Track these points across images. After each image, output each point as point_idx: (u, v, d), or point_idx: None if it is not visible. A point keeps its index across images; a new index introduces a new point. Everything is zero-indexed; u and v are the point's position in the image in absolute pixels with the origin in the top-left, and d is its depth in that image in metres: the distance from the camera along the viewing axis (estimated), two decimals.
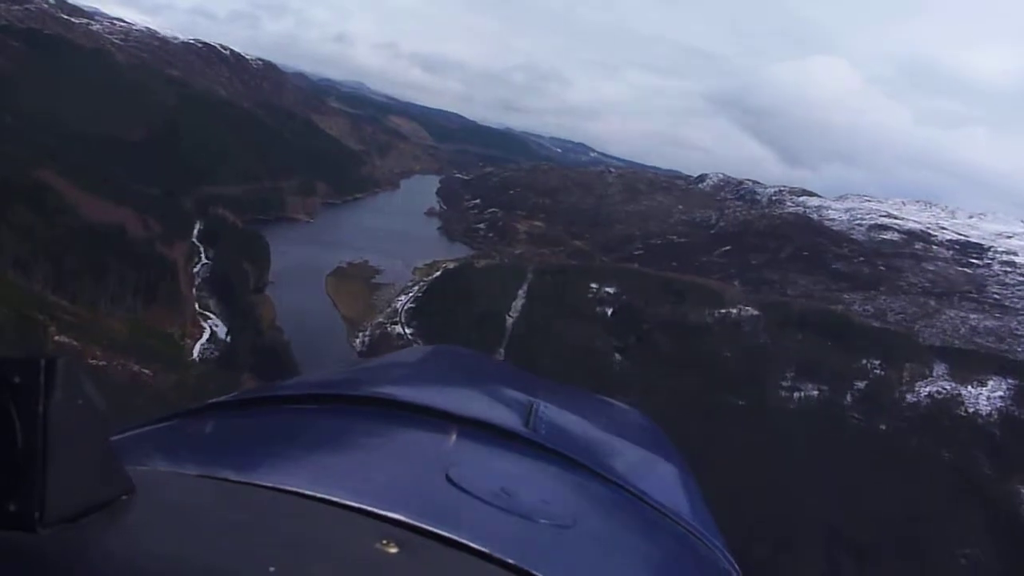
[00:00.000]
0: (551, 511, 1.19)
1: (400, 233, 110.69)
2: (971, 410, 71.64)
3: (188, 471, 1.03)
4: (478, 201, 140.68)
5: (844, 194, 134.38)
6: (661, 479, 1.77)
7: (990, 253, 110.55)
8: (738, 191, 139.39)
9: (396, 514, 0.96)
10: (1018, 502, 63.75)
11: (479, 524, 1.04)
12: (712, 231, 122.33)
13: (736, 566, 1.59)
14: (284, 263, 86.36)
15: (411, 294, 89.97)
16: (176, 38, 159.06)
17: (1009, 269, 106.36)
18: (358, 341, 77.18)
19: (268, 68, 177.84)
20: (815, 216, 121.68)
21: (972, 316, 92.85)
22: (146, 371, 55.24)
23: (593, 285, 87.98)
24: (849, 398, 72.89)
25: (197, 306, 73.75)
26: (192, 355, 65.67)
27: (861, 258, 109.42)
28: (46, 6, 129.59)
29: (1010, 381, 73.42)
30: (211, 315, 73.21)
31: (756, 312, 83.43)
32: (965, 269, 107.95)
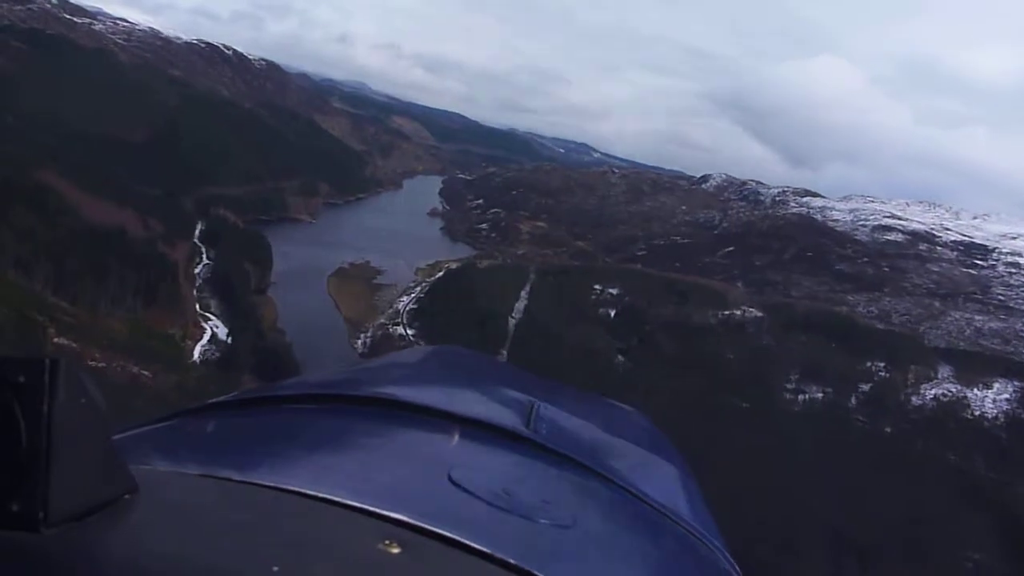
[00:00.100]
0: (552, 511, 1.19)
1: (402, 233, 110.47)
2: (977, 413, 71.23)
3: (190, 471, 1.04)
4: (481, 201, 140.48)
5: (848, 194, 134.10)
6: (661, 480, 1.77)
7: (995, 254, 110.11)
8: (741, 191, 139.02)
9: (398, 514, 0.96)
10: None
11: (481, 524, 1.05)
12: (715, 232, 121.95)
13: (736, 567, 1.59)
14: (286, 264, 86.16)
15: (413, 295, 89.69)
16: (179, 38, 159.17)
17: (1014, 270, 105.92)
18: (360, 342, 76.92)
19: (271, 68, 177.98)
20: (819, 217, 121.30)
21: (977, 318, 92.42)
22: (146, 373, 54.92)
23: (596, 286, 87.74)
24: (854, 400, 72.52)
25: (198, 307, 73.45)
26: (193, 356, 65.32)
27: (865, 259, 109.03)
28: (48, 6, 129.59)
29: (1016, 383, 73.01)
30: (212, 316, 72.90)
31: (760, 313, 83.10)
32: (970, 270, 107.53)
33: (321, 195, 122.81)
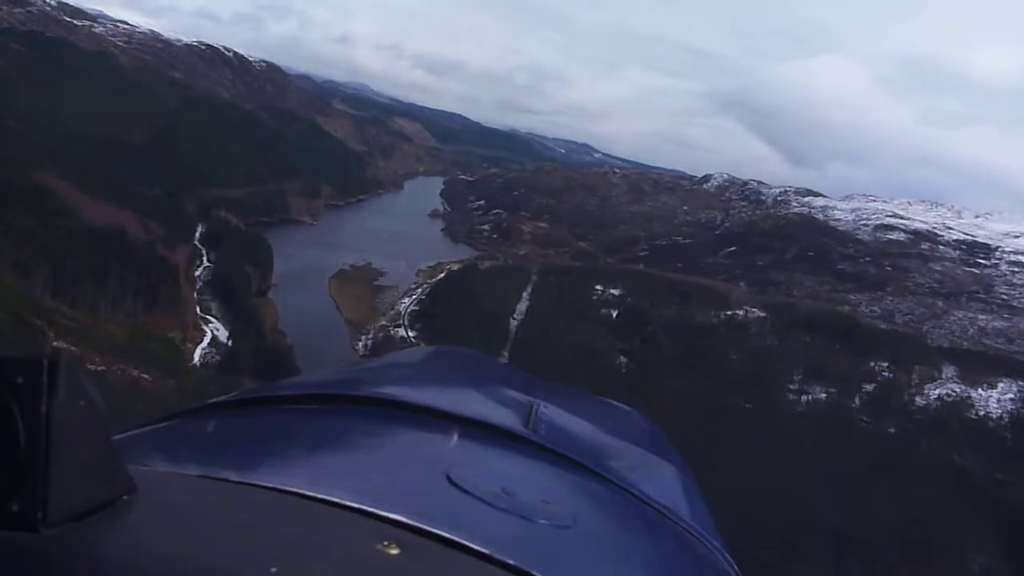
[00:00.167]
0: (551, 512, 1.19)
1: (404, 235, 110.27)
2: (981, 413, 70.87)
3: (189, 471, 1.04)
4: (482, 202, 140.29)
5: (849, 194, 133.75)
6: (661, 480, 1.77)
7: (997, 253, 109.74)
8: (743, 191, 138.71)
9: (397, 515, 0.96)
10: None
11: (480, 525, 1.05)
12: (717, 232, 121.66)
13: (736, 567, 1.59)
14: (287, 266, 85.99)
15: (415, 296, 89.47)
16: (179, 40, 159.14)
17: (1017, 269, 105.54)
18: (361, 344, 76.67)
19: (271, 70, 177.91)
20: (820, 216, 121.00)
21: (981, 317, 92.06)
22: (145, 376, 54.57)
23: (598, 286, 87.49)
24: (857, 401, 72.20)
25: (198, 310, 73.25)
26: (193, 360, 65.10)
27: (867, 258, 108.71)
28: (48, 9, 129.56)
29: (1021, 383, 72.63)
30: (212, 319, 72.71)
31: (762, 313, 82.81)
32: (972, 269, 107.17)
33: (322, 197, 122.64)
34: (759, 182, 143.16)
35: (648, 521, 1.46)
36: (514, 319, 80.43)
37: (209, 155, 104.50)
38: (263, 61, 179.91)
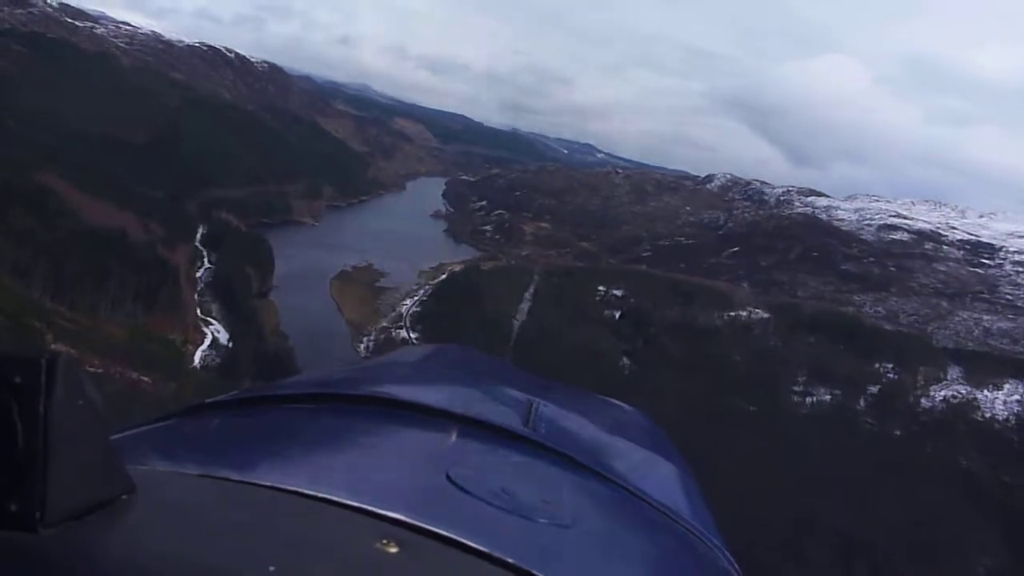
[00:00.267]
0: (551, 511, 1.19)
1: (405, 235, 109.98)
2: (987, 415, 70.42)
3: (188, 470, 1.04)
4: (484, 203, 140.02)
5: (853, 194, 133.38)
6: (661, 479, 1.78)
7: (1001, 253, 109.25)
8: (746, 191, 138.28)
9: (396, 514, 0.96)
10: None
11: (479, 524, 1.05)
12: (720, 232, 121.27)
13: (736, 566, 1.59)
14: (288, 267, 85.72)
15: (416, 297, 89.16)
16: (181, 41, 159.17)
17: (1021, 269, 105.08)
18: (362, 346, 76.35)
19: (273, 71, 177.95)
20: (824, 216, 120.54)
21: (985, 317, 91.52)
22: (145, 379, 54.25)
23: (600, 287, 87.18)
24: (862, 402, 71.78)
25: (199, 311, 72.95)
26: (193, 362, 64.77)
27: (871, 259, 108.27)
28: (50, 10, 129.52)
29: None
30: (213, 320, 72.39)
31: (766, 314, 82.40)
32: (977, 269, 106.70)
33: (324, 197, 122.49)
34: (762, 182, 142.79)
35: (648, 520, 1.46)
36: (516, 320, 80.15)
37: (210, 156, 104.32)
38: (265, 62, 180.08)
